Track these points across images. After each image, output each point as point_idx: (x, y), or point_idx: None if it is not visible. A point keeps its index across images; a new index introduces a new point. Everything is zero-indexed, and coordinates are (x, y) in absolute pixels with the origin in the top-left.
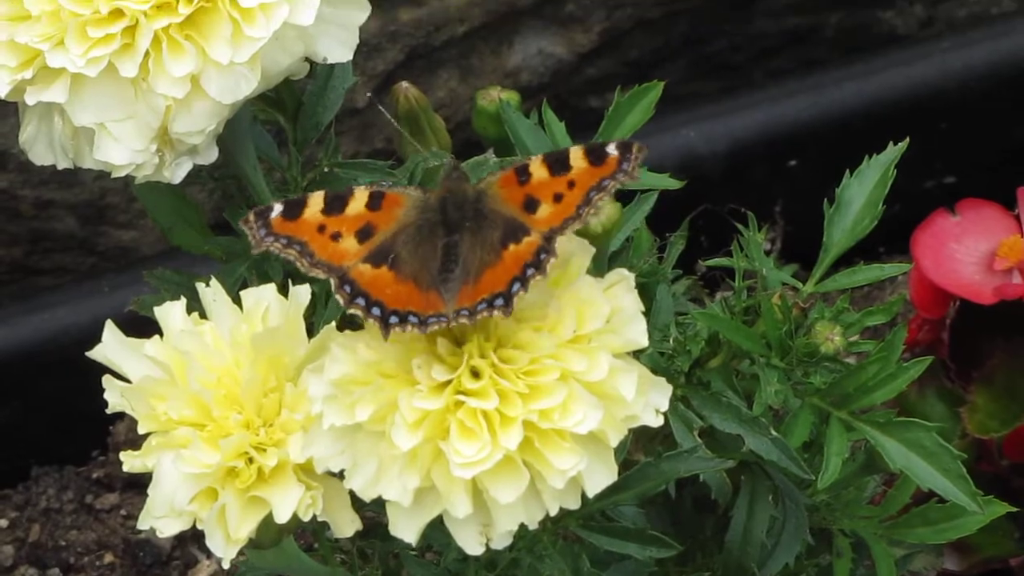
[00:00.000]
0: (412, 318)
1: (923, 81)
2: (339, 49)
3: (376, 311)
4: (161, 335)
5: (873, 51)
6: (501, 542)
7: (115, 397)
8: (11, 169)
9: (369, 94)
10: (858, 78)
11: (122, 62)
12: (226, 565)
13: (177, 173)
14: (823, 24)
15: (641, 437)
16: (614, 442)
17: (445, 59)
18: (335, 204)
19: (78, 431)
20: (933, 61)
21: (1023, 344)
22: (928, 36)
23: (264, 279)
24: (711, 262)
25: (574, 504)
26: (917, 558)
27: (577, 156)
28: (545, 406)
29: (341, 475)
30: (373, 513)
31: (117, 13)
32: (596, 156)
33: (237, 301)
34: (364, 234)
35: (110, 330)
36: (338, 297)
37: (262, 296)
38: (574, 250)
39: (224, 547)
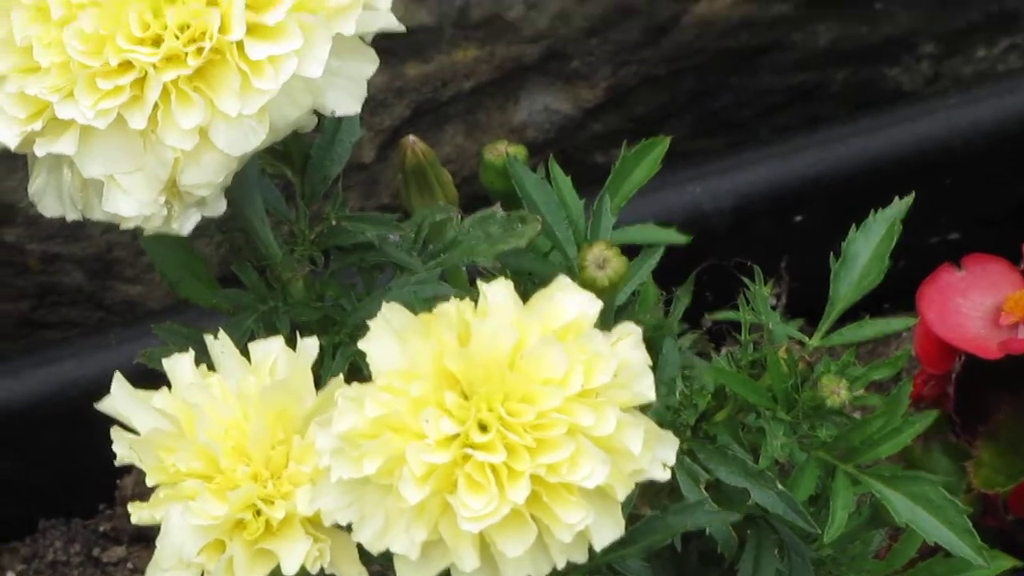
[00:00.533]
0: None
1: (929, 137)
2: (348, 102)
3: None
4: (169, 387)
5: (879, 107)
6: None
7: (123, 449)
8: (19, 223)
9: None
10: (864, 134)
11: (131, 114)
12: None
13: (185, 225)
14: (829, 80)
15: (647, 491)
16: (621, 496)
17: (451, 115)
18: None
19: (85, 484)
20: (939, 117)
21: None
22: (934, 93)
23: (272, 332)
24: (717, 316)
25: (581, 558)
26: None
27: None
28: (553, 460)
29: (349, 528)
30: (381, 567)
31: (126, 65)
32: None
33: (245, 354)
34: None
35: (119, 382)
36: None
37: (270, 349)
38: (582, 303)
39: None
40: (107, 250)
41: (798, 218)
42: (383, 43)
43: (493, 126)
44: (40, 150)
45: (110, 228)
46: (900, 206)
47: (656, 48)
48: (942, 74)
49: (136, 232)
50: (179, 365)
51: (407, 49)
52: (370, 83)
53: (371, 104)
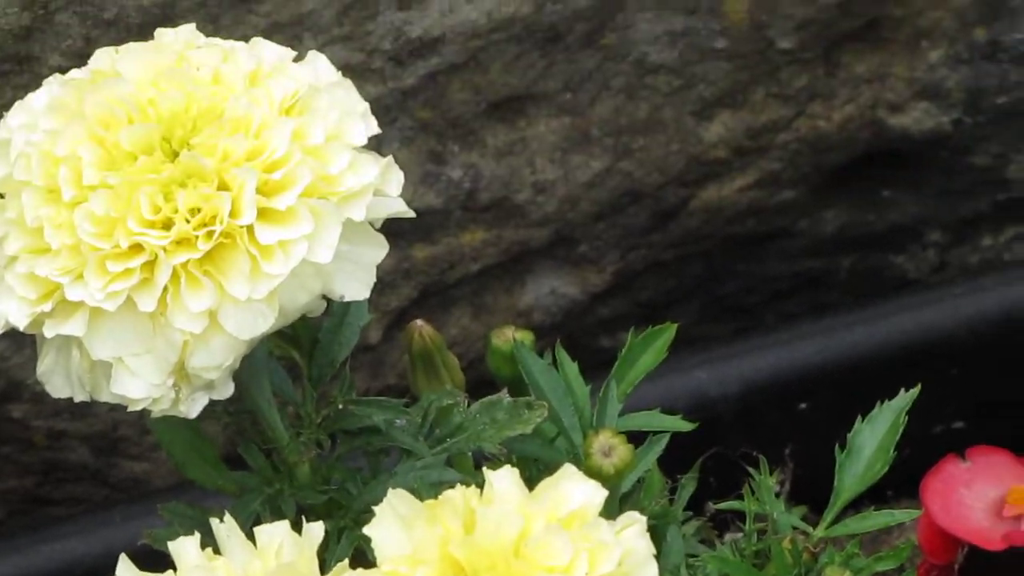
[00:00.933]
0: None
1: (934, 326)
2: (357, 287)
3: None
4: (174, 569)
5: (885, 295)
6: None
7: None
8: (25, 399)
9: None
10: (869, 322)
11: (141, 297)
12: None
13: (193, 408)
14: (836, 268)
15: None
16: None
17: (458, 297)
18: None
19: None
20: (945, 307)
21: None
22: (940, 281)
23: (278, 515)
24: (722, 505)
25: None
26: None
27: None
28: None
29: None
30: None
31: (137, 248)
32: None
33: (251, 537)
34: None
35: (124, 564)
36: None
37: (275, 533)
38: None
39: None
40: (113, 428)
41: (803, 405)
42: (391, 225)
43: (500, 309)
44: (49, 331)
45: (117, 406)
46: (906, 398)
47: (663, 233)
48: (948, 263)
49: (142, 412)
50: (184, 548)
51: (415, 230)
52: (378, 265)
53: (378, 285)
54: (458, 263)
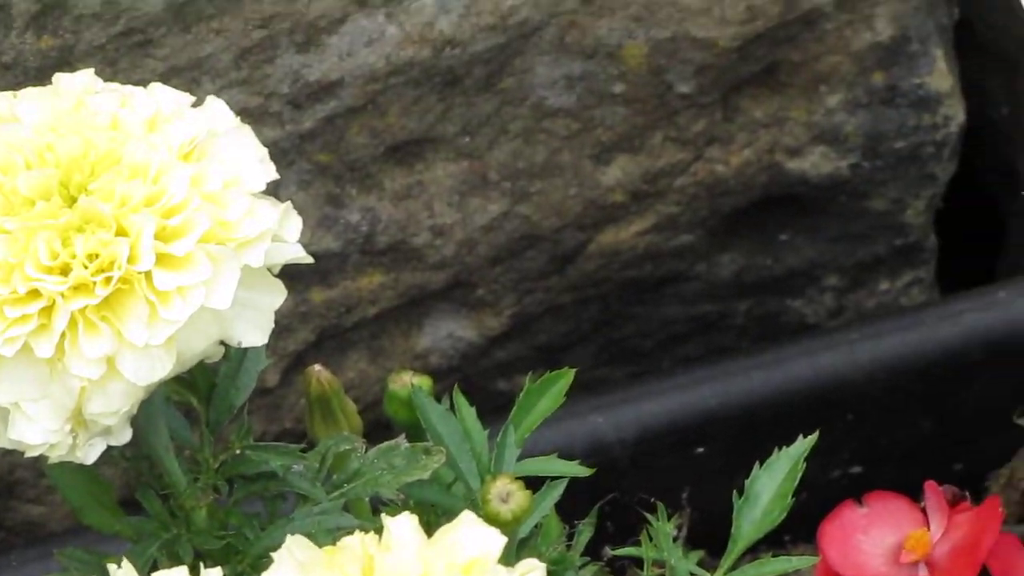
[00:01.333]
0: None
1: (831, 371)
2: (254, 333)
3: None
4: None
5: (782, 340)
6: None
7: None
8: None
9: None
10: (766, 367)
11: (38, 342)
12: None
13: (90, 454)
14: (733, 312)
15: None
16: None
17: (356, 340)
18: None
19: None
20: (841, 351)
21: None
22: (837, 326)
23: (175, 561)
24: (620, 551)
25: None
26: None
27: None
28: None
29: None
30: None
31: (34, 293)
32: None
33: None
34: None
35: None
36: None
37: None
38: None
39: None
40: (9, 471)
41: (700, 450)
42: (290, 268)
43: (397, 352)
44: None
45: (12, 449)
46: (804, 444)
47: (561, 277)
48: (846, 307)
49: (39, 457)
50: None
51: (313, 274)
52: (276, 309)
53: (276, 329)
54: (356, 306)
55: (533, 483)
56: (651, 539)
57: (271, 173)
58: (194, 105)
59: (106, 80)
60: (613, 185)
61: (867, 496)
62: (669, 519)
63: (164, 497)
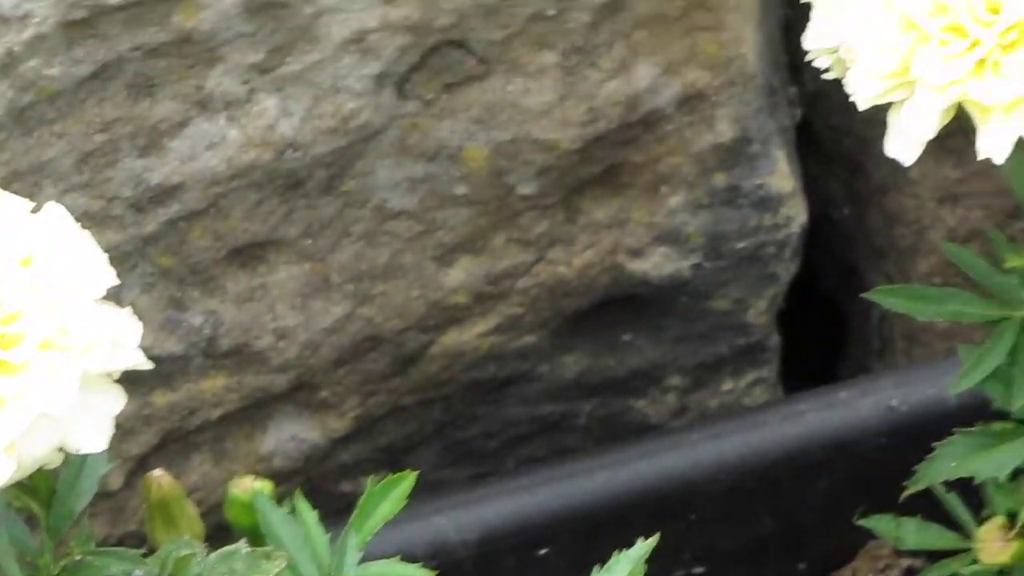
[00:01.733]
0: None
1: (673, 471)
2: (94, 438)
3: None
4: None
5: (626, 440)
6: None
7: None
8: None
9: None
10: (610, 467)
11: None
12: None
13: None
14: (577, 412)
15: None
16: None
17: (200, 443)
18: None
19: None
20: (683, 452)
21: None
22: (680, 426)
23: None
24: None
25: None
26: None
27: None
28: None
29: None
30: None
31: None
32: None
33: None
34: None
35: None
36: None
37: None
38: None
39: None
40: None
41: (543, 551)
42: (132, 372)
43: (241, 455)
44: None
45: None
46: (644, 547)
47: (404, 378)
48: (688, 407)
49: None
50: None
51: (156, 377)
52: (119, 412)
53: (119, 432)
54: (199, 409)
55: None
56: None
57: (111, 278)
58: (34, 210)
59: None
60: (456, 287)
61: None
62: None
63: None
